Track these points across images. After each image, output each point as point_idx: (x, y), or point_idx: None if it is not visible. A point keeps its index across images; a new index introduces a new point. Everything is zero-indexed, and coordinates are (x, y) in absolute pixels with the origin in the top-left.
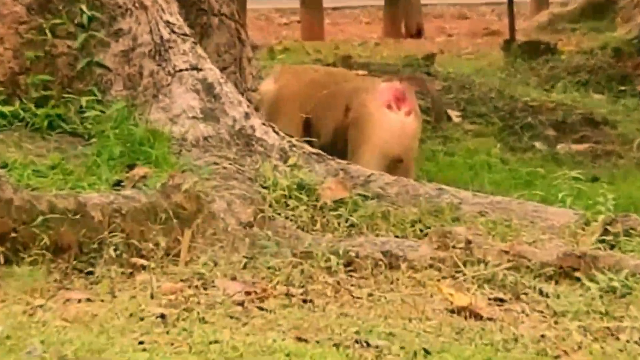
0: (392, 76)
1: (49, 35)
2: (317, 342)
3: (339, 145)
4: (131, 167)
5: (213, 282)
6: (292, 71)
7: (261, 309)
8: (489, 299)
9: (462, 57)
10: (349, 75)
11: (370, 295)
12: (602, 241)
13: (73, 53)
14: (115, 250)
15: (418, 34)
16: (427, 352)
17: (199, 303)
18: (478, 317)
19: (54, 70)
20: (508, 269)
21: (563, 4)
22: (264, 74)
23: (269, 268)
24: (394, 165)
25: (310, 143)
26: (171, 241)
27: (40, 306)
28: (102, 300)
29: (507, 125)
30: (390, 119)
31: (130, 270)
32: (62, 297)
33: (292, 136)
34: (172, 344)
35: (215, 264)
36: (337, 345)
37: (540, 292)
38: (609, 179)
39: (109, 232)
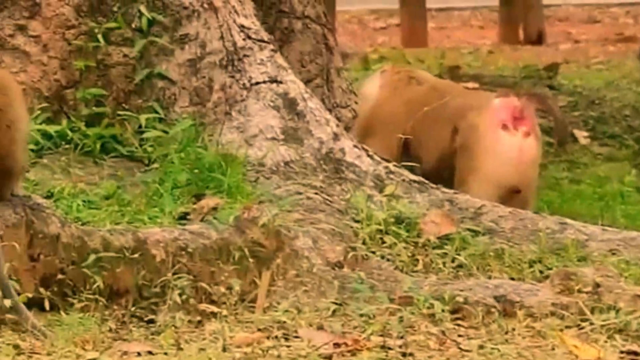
0: (508, 91)
1: (102, 41)
2: None
3: (444, 172)
4: (199, 197)
5: (296, 332)
6: (395, 77)
7: None
8: (621, 352)
9: (591, 68)
10: (457, 89)
11: (481, 347)
12: None
13: (130, 63)
14: (180, 294)
15: (539, 40)
16: None
17: (279, 357)
18: None
19: (107, 83)
20: None
21: None
22: (357, 86)
23: (361, 316)
24: (510, 197)
25: (411, 169)
26: (246, 284)
27: None
28: (165, 354)
29: None
30: (505, 142)
31: (198, 318)
32: (118, 349)
33: (388, 160)
34: None
35: (299, 311)
36: None
37: None
38: None
39: (174, 274)
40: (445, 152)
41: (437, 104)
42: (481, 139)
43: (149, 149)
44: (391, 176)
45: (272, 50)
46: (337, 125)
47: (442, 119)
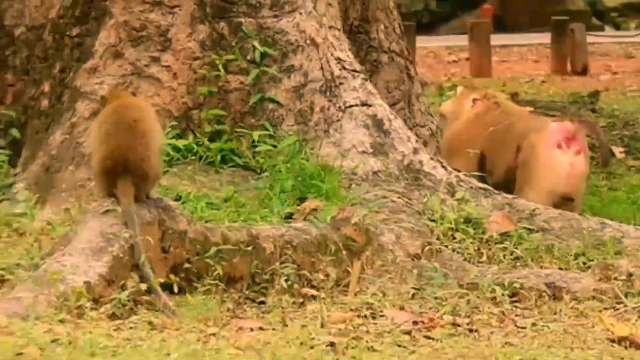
0: (563, 116)
1: (222, 71)
2: None
3: (510, 184)
4: (302, 200)
5: (382, 311)
6: (481, 103)
7: (428, 338)
8: None
9: (627, 95)
10: (523, 113)
11: (533, 325)
12: None
13: (246, 88)
14: (286, 280)
15: (584, 71)
16: None
17: (367, 332)
18: (638, 346)
19: (226, 105)
20: None
21: None
22: (432, 110)
23: (436, 298)
24: (563, 203)
25: (482, 179)
26: (341, 272)
27: (214, 334)
28: (273, 329)
29: None
30: (559, 159)
31: (301, 300)
32: (234, 325)
33: (459, 170)
34: None
35: (384, 295)
36: None
37: None
38: None
39: (281, 263)
40: (511, 168)
41: (505, 126)
42: (539, 155)
43: (261, 160)
44: (461, 183)
45: (363, 78)
46: (417, 141)
47: (509, 139)
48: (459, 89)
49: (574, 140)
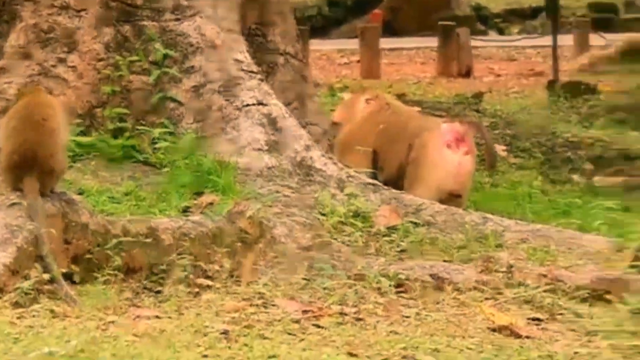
0: (454, 118)
1: (126, 71)
2: (368, 357)
3: (401, 180)
4: (199, 194)
5: (273, 301)
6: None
7: (317, 326)
8: (528, 319)
9: (509, 96)
10: (414, 114)
11: (417, 314)
12: (634, 267)
13: (147, 88)
14: (183, 271)
15: (468, 74)
16: None
17: (259, 320)
18: (517, 335)
19: (129, 104)
20: (546, 291)
21: (604, 47)
22: (324, 110)
23: (325, 289)
24: (451, 199)
25: (373, 175)
26: (235, 263)
27: (112, 322)
28: (169, 317)
29: (548, 159)
30: (449, 158)
31: (196, 290)
32: (132, 314)
33: (349, 167)
34: (234, 358)
35: (275, 285)
36: None
37: (575, 313)
38: None
39: (178, 255)
40: (402, 164)
41: (397, 125)
42: (430, 154)
43: (161, 156)
44: (350, 179)
45: (260, 79)
46: (309, 139)
47: (401, 137)
48: (346, 95)
49: (463, 141)
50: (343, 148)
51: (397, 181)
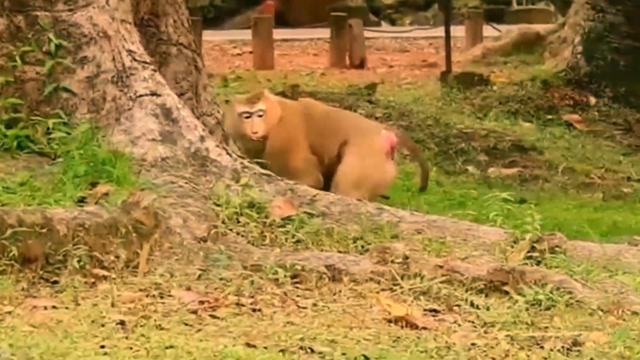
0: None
1: (19, 61)
2: (265, 348)
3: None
4: (94, 185)
5: (169, 291)
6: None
7: (213, 317)
8: (424, 310)
9: (402, 87)
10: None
11: (314, 305)
12: (529, 258)
13: (41, 79)
14: (78, 261)
15: (361, 65)
16: (366, 358)
17: (156, 311)
18: (414, 326)
19: (23, 95)
20: (442, 282)
21: (496, 38)
22: (218, 100)
23: (221, 279)
24: (376, 199)
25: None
26: (131, 254)
27: (9, 313)
28: (66, 308)
29: (442, 150)
30: (387, 165)
31: (92, 280)
32: (29, 304)
33: (244, 157)
34: (131, 349)
35: (172, 275)
36: (283, 351)
37: (472, 304)
38: (536, 200)
39: (73, 245)
40: (333, 162)
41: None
42: (370, 158)
43: (55, 147)
44: (245, 170)
45: (153, 70)
46: (204, 130)
47: (333, 135)
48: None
49: (394, 150)
50: (282, 157)
51: (328, 178)
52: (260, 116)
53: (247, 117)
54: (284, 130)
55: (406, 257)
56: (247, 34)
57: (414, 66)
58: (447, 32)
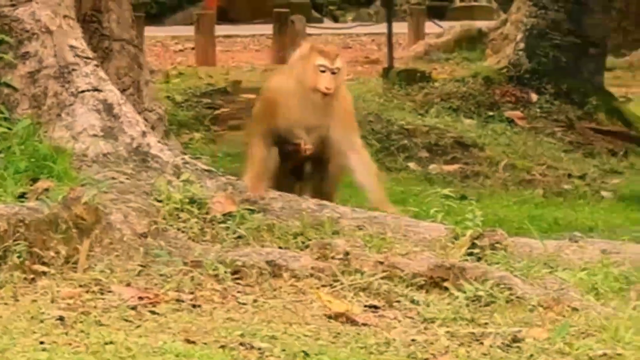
0: None
1: None
2: (205, 344)
3: None
4: (35, 180)
5: (109, 287)
6: None
7: (153, 313)
8: (365, 306)
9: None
10: None
11: (254, 301)
12: (470, 254)
13: None
14: (18, 257)
15: None
16: (306, 354)
17: (95, 307)
18: (354, 322)
19: None
20: (382, 278)
21: (438, 35)
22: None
23: (161, 275)
24: None
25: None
26: (71, 250)
27: None
28: (5, 304)
29: (384, 147)
30: None
31: (32, 276)
32: None
33: (185, 153)
34: (71, 345)
35: (112, 271)
36: (223, 347)
37: (412, 300)
38: (477, 197)
39: (13, 241)
40: None
41: None
42: None
43: None
44: (187, 165)
45: (95, 65)
46: (145, 125)
47: None
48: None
49: None
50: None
51: None
52: (334, 73)
53: (322, 71)
54: (348, 98)
55: (347, 253)
56: (189, 30)
57: (356, 62)
58: (389, 28)
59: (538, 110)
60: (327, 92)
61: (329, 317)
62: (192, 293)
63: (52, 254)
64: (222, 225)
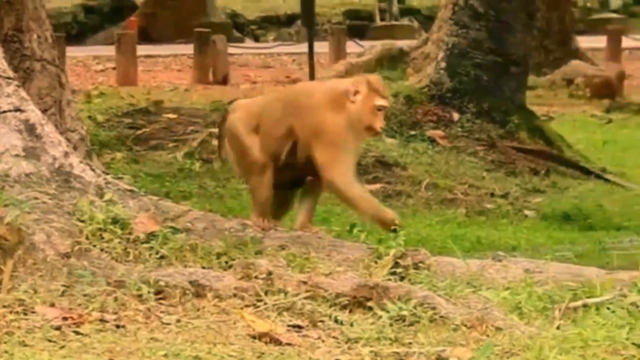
0: None
1: None
2: None
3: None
4: None
5: (33, 308)
6: None
7: (77, 333)
8: (288, 326)
9: None
10: None
11: (178, 321)
12: (393, 273)
13: None
14: None
15: (224, 81)
16: None
17: (19, 327)
18: (278, 342)
19: None
20: (306, 298)
21: (359, 54)
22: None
23: (85, 296)
24: None
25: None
26: None
27: None
28: None
29: None
30: None
31: None
32: None
33: (107, 173)
34: None
35: (35, 292)
36: None
37: (336, 320)
38: (400, 216)
39: None
40: None
41: None
42: None
43: None
44: (109, 185)
45: (17, 85)
46: (67, 145)
47: None
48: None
49: None
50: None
51: None
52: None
53: (379, 110)
54: None
55: (270, 273)
56: (110, 50)
57: (277, 82)
58: (311, 48)
59: (460, 129)
60: (380, 131)
61: (253, 337)
62: (115, 313)
63: None
64: (145, 245)
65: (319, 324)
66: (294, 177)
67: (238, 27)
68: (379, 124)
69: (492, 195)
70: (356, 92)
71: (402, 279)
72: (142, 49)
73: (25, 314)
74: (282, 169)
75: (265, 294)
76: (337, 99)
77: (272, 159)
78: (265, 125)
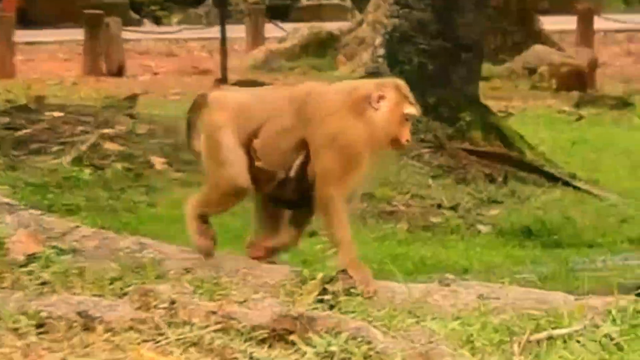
0: None
1: None
2: None
3: None
4: None
5: None
6: None
7: None
8: None
9: (169, 98)
10: None
11: (63, 359)
12: (321, 301)
13: None
14: None
15: (120, 72)
16: None
17: None
18: None
19: None
20: (216, 331)
21: (280, 39)
22: None
23: None
24: None
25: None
26: None
27: None
28: None
29: None
30: None
31: None
32: None
33: None
34: None
35: None
36: None
37: (251, 358)
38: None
39: None
40: None
41: None
42: None
43: None
44: None
45: None
46: None
47: None
48: None
49: None
50: None
51: None
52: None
53: (407, 119)
54: None
55: (173, 302)
56: None
57: (183, 73)
58: (223, 32)
59: None
60: (407, 146)
61: None
62: None
63: None
64: (24, 269)
65: None
66: (300, 195)
67: (135, 8)
68: (406, 136)
69: (439, 206)
70: (381, 98)
71: (331, 307)
72: (22, 35)
73: None
74: (285, 183)
75: (168, 326)
76: (356, 103)
77: (268, 179)
78: (268, 137)
